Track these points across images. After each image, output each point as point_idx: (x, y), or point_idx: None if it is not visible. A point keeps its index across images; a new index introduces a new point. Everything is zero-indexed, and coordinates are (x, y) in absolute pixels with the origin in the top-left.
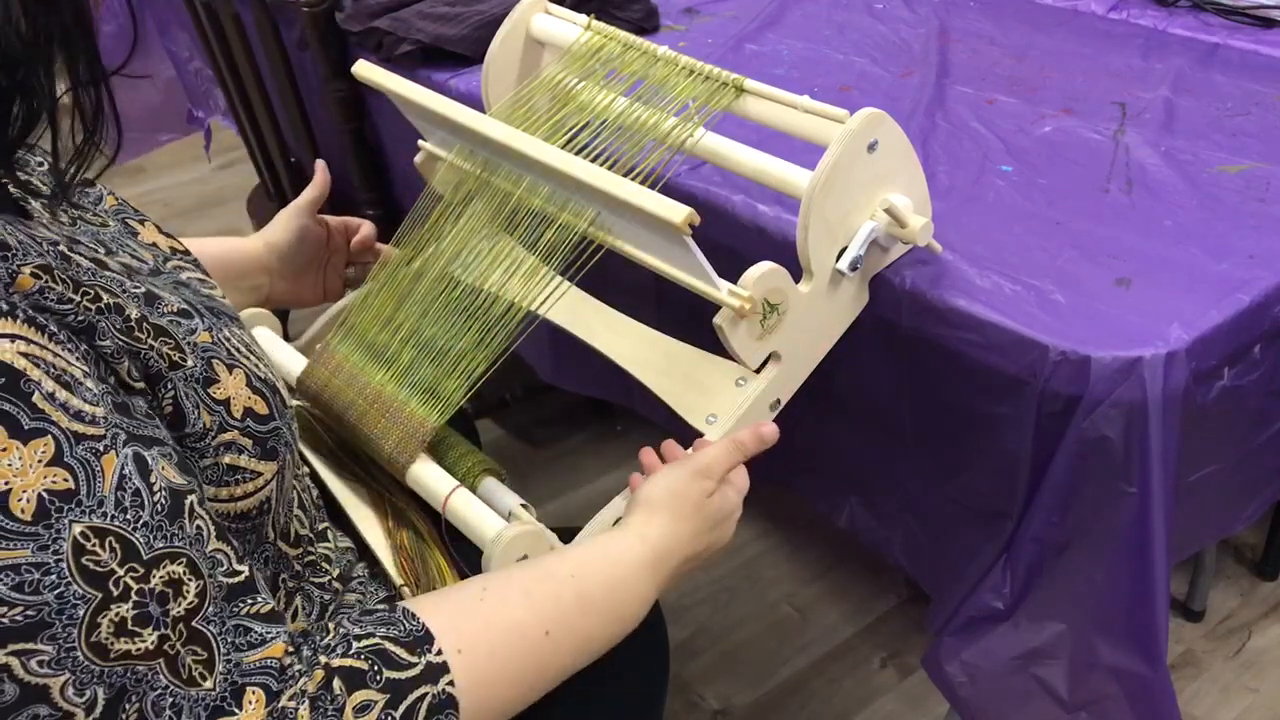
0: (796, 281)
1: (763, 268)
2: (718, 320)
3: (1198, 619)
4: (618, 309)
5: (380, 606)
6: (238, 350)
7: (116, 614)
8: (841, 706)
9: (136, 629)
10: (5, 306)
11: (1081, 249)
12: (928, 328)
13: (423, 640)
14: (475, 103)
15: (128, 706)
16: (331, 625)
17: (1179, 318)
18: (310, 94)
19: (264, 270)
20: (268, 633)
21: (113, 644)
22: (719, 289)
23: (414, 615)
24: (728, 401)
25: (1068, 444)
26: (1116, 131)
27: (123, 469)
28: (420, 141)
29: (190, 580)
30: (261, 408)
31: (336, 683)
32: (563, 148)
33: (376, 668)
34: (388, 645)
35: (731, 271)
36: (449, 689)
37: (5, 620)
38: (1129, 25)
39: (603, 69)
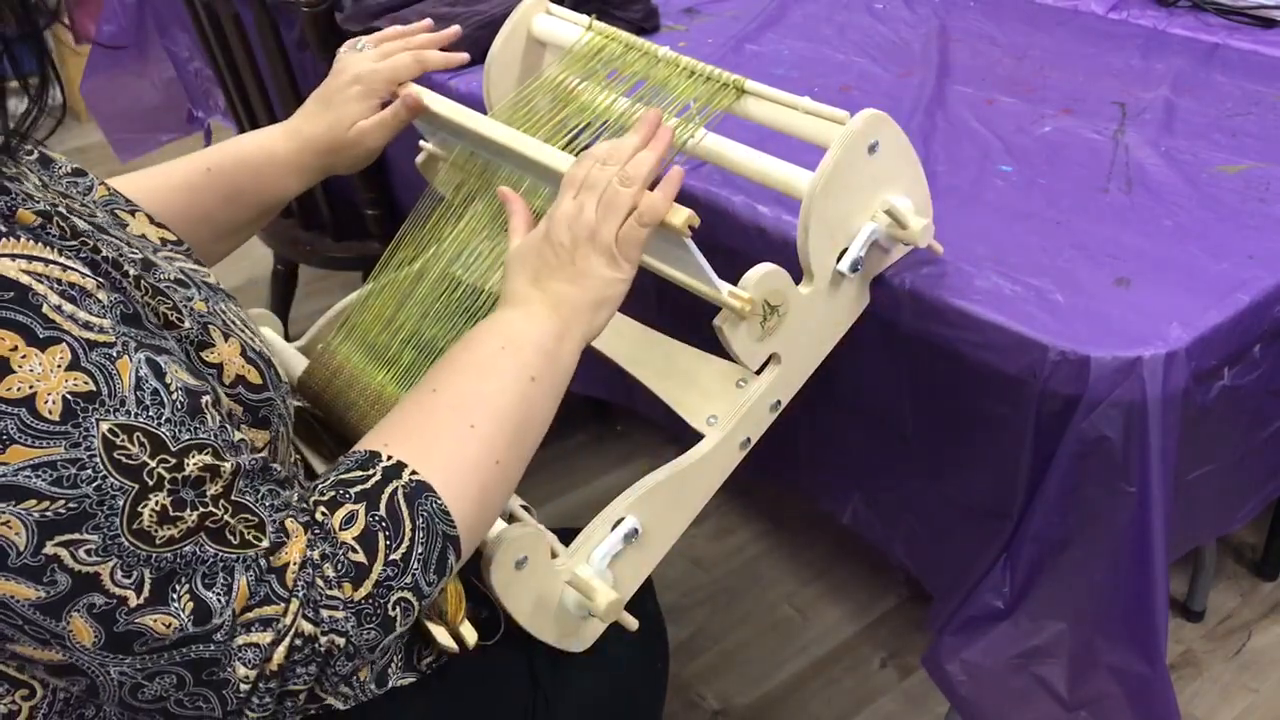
0: (797, 283)
1: (763, 269)
2: (718, 321)
3: (1198, 619)
4: (618, 309)
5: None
6: (232, 323)
7: (156, 503)
8: (841, 706)
9: (178, 514)
10: (4, 228)
11: (1081, 249)
12: (928, 328)
13: (368, 459)
14: (475, 103)
15: (178, 587)
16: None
17: (1179, 318)
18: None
19: (296, 171)
20: (288, 493)
21: (156, 531)
22: (719, 290)
23: (350, 452)
24: (728, 403)
25: (1068, 444)
26: (1116, 131)
27: (138, 371)
28: (421, 142)
29: (220, 464)
30: (255, 377)
31: (319, 513)
32: (564, 149)
33: (343, 490)
34: (342, 476)
35: (732, 272)
36: (414, 477)
37: (49, 513)
38: (1129, 25)
39: (604, 70)
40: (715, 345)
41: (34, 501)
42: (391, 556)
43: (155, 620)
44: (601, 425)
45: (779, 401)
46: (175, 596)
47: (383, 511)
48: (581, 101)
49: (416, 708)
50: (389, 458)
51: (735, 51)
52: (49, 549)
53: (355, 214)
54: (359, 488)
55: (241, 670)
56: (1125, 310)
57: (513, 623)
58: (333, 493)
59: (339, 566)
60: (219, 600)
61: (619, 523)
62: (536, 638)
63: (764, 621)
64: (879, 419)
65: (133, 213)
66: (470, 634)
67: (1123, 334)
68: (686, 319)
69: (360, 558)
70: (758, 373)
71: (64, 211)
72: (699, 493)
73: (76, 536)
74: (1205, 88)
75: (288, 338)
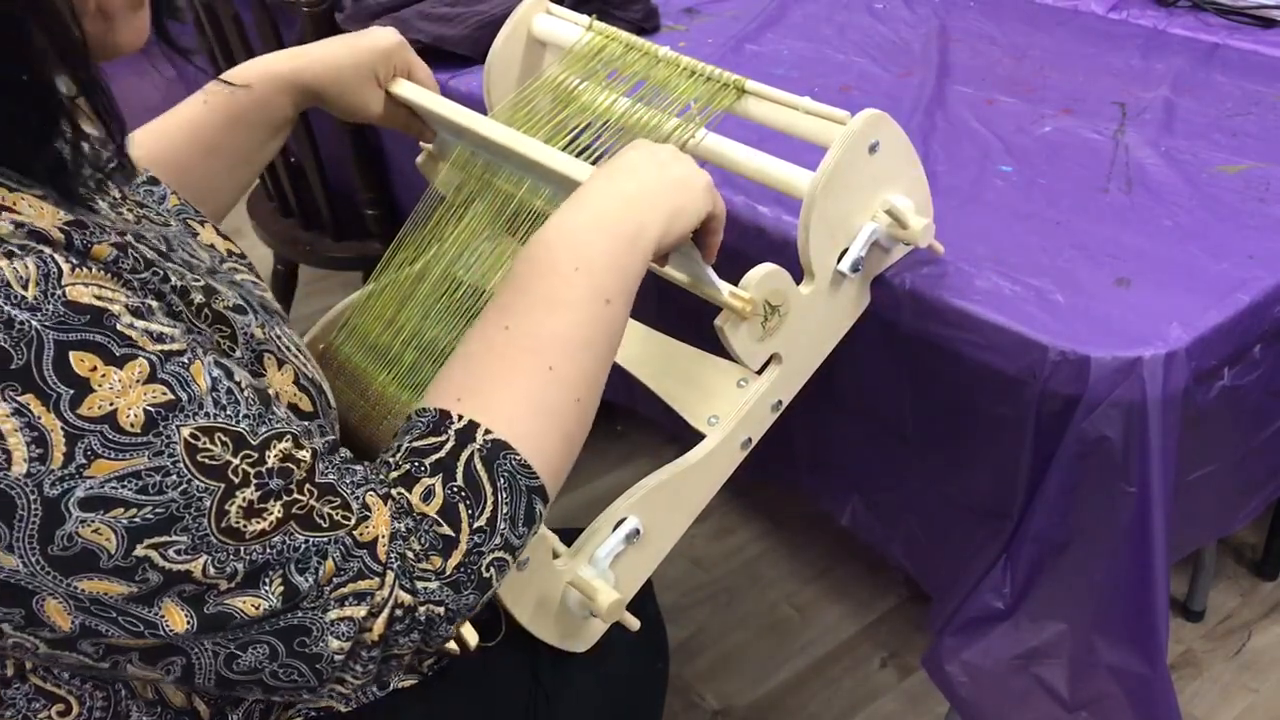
0: (798, 283)
1: (764, 269)
2: (719, 322)
3: (1198, 619)
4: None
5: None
6: (287, 349)
7: (243, 499)
8: (841, 706)
9: (264, 506)
10: (76, 260)
11: (1081, 249)
12: (928, 328)
13: (439, 422)
14: (476, 103)
15: (271, 575)
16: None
17: (1179, 318)
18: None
19: (294, 94)
20: (359, 468)
21: (245, 526)
22: (720, 290)
23: (421, 409)
24: (729, 402)
25: (1068, 444)
26: (1116, 131)
27: (211, 373)
28: (421, 142)
29: (300, 450)
30: (306, 405)
31: (396, 490)
32: (564, 149)
33: (417, 463)
34: (415, 444)
35: (732, 272)
36: (489, 437)
37: (137, 519)
38: (1129, 25)
39: (604, 70)
40: (716, 345)
41: (121, 509)
42: (476, 524)
43: (245, 602)
44: (601, 425)
45: (780, 401)
46: (268, 583)
47: (460, 481)
48: (582, 102)
49: (418, 709)
50: (460, 417)
51: (735, 51)
52: (139, 551)
53: (355, 214)
54: (433, 458)
55: (335, 644)
56: (1125, 310)
57: (514, 623)
58: (407, 465)
59: (424, 540)
60: (307, 582)
61: (620, 523)
62: (538, 638)
63: (764, 621)
64: (879, 419)
65: (202, 223)
66: (472, 635)
67: (1123, 334)
68: (687, 319)
69: (446, 530)
70: (758, 373)
71: (133, 240)
72: (700, 493)
73: (166, 539)
74: (1205, 88)
75: None
